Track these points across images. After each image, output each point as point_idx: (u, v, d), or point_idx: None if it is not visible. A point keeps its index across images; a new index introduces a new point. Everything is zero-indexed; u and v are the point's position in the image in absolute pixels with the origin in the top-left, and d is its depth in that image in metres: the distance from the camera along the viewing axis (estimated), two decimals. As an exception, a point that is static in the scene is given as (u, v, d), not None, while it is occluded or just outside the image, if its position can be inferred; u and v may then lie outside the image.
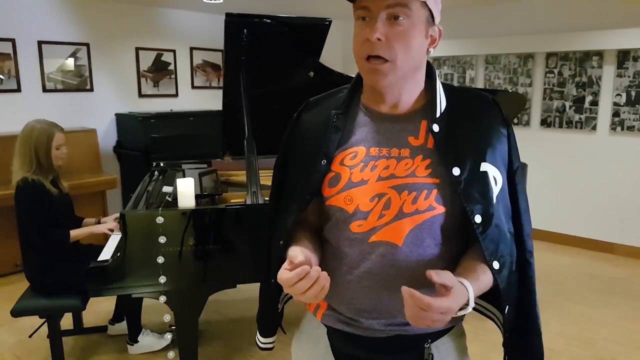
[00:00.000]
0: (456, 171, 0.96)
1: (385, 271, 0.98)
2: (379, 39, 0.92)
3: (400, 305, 0.98)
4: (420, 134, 1.00)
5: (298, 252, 0.92)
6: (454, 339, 1.08)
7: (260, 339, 1.27)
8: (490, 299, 1.11)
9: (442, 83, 1.06)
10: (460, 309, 0.90)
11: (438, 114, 1.00)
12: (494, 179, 0.99)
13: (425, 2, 0.94)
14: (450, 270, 1.00)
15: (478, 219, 0.96)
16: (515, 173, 1.05)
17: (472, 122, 1.02)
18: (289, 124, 1.15)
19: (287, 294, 1.21)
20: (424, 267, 0.98)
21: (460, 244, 1.04)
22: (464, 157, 0.97)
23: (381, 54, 0.93)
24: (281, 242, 1.05)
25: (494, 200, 0.98)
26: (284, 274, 0.89)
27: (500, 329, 1.11)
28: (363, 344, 1.04)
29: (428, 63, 1.06)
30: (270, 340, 1.26)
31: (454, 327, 1.08)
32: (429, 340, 1.03)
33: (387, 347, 1.02)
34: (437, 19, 0.99)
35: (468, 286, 0.91)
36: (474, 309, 1.16)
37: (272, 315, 1.21)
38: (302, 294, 0.89)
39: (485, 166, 0.98)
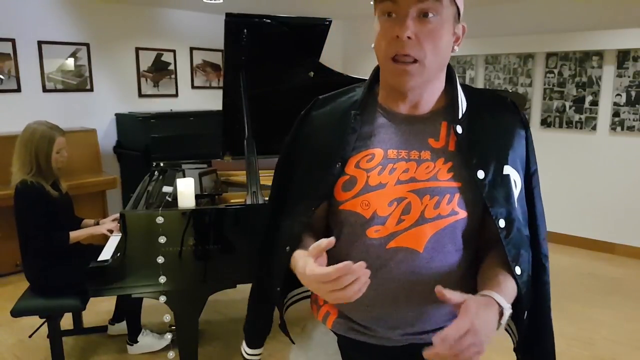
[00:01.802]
0: (481, 174, 0.93)
1: (404, 278, 0.95)
2: (409, 37, 0.88)
3: (418, 314, 0.97)
4: (440, 135, 0.97)
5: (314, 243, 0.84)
6: None
7: (247, 350, 1.21)
8: None
9: (461, 84, 1.03)
10: (501, 318, 0.86)
11: (460, 115, 0.97)
12: (514, 182, 0.97)
13: (456, 8, 0.91)
14: (469, 275, 0.99)
15: (502, 223, 0.93)
16: (532, 176, 1.02)
17: (492, 124, 0.99)
18: (297, 121, 1.10)
19: (289, 301, 1.17)
20: (444, 273, 0.96)
21: (476, 248, 1.02)
22: (488, 159, 0.95)
23: (411, 52, 0.89)
24: (287, 248, 0.99)
25: (516, 204, 0.96)
26: (317, 269, 0.81)
27: (511, 337, 1.09)
28: (376, 353, 1.01)
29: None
30: (257, 352, 1.21)
31: None
32: None
33: (402, 356, 1.00)
34: (461, 16, 0.96)
35: (491, 294, 0.87)
36: None
37: (262, 325, 1.16)
38: (340, 290, 0.80)
39: (507, 169, 0.96)
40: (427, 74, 0.93)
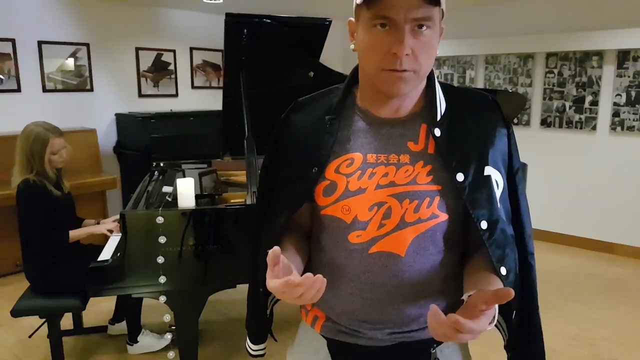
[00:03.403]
0: (460, 177, 0.93)
1: (387, 282, 0.95)
2: (407, 54, 0.87)
3: (403, 316, 0.97)
4: (420, 138, 0.96)
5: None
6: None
7: (251, 346, 1.23)
8: None
9: (440, 83, 1.02)
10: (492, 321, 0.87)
11: (439, 117, 0.96)
12: (496, 182, 0.97)
13: (441, 8, 0.90)
14: (452, 276, 0.99)
15: (484, 224, 0.93)
16: (515, 174, 1.02)
17: (473, 124, 0.98)
18: (277, 124, 1.09)
19: (275, 298, 1.18)
20: (427, 276, 0.96)
21: (460, 249, 1.02)
22: (467, 161, 0.94)
23: (407, 67, 0.88)
24: (268, 251, 1.02)
25: (498, 205, 0.96)
26: (271, 282, 0.83)
27: (502, 334, 1.09)
28: (366, 354, 1.01)
29: None
30: (261, 347, 1.22)
31: None
32: (435, 345, 1.00)
33: (392, 356, 1.00)
34: (444, 16, 0.95)
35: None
36: None
37: (262, 321, 1.17)
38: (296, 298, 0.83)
39: (488, 170, 0.95)
40: (419, 81, 0.94)
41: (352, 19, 0.96)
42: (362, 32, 0.92)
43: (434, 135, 0.95)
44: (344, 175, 0.97)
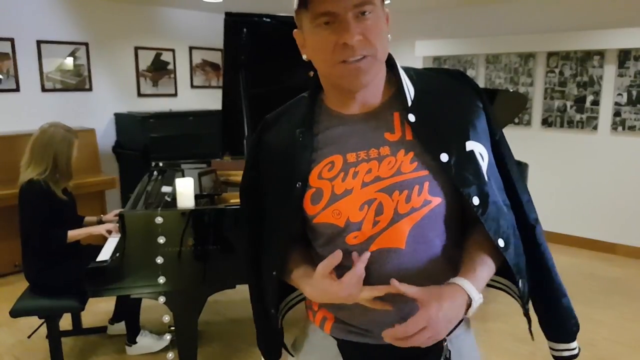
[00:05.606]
0: (444, 157, 0.91)
1: (392, 277, 0.93)
2: (359, 39, 0.87)
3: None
4: (395, 127, 0.95)
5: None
6: (464, 330, 1.05)
7: None
8: (501, 272, 1.07)
9: (403, 68, 1.01)
10: (469, 308, 0.88)
11: (409, 103, 0.95)
12: (480, 155, 0.95)
13: None
14: (455, 257, 0.98)
15: (476, 200, 0.92)
16: (498, 142, 1.01)
17: (445, 102, 0.97)
18: (250, 146, 1.09)
19: (283, 310, 1.17)
20: (430, 262, 0.95)
21: (459, 229, 1.01)
22: (448, 140, 0.93)
23: (363, 52, 0.88)
24: (274, 273, 1.01)
25: (486, 178, 0.95)
26: (364, 294, 0.91)
27: (516, 300, 1.06)
28: (378, 353, 0.99)
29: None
30: None
31: (462, 320, 1.03)
32: (445, 338, 0.98)
33: (405, 353, 0.96)
34: None
35: (462, 283, 0.88)
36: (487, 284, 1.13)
37: (274, 339, 1.15)
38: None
39: (470, 145, 0.94)
40: (377, 66, 0.92)
41: (297, 30, 0.96)
42: (308, 36, 0.92)
43: (409, 122, 0.94)
44: (328, 179, 0.96)
